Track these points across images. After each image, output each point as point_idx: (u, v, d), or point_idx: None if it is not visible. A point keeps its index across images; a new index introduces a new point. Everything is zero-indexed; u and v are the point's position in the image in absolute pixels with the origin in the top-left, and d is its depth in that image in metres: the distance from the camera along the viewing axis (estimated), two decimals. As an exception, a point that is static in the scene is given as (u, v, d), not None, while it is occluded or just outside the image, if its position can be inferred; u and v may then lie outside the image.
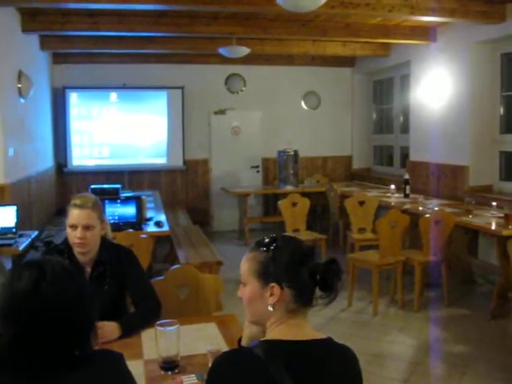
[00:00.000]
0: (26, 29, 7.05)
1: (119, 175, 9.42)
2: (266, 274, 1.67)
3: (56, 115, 9.35)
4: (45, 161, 8.41)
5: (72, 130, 9.46)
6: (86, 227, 2.73)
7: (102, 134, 9.59)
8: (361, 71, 10.55)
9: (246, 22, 7.37)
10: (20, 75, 6.68)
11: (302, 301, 1.66)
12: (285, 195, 7.64)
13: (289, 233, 7.01)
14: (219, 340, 2.54)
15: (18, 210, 5.11)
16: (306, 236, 6.84)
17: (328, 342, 1.67)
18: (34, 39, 7.84)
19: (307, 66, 10.38)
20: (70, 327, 1.48)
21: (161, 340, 2.21)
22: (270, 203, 10.26)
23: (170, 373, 2.20)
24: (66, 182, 9.60)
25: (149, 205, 6.52)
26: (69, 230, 2.76)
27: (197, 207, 9.98)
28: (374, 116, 10.53)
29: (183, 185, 10.08)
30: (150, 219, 5.88)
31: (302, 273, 1.64)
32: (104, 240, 2.87)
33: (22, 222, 5.72)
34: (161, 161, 9.82)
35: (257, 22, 7.42)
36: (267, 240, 1.74)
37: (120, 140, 9.64)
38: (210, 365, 2.17)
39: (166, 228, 5.64)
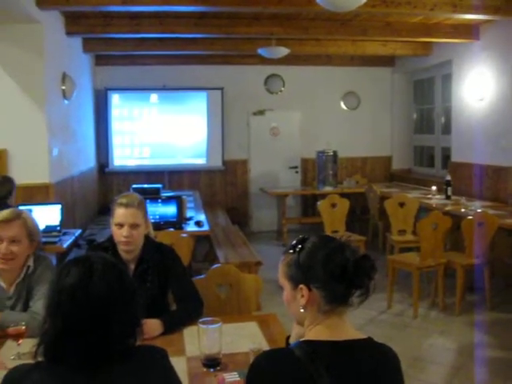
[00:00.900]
0: (69, 31, 7.20)
1: (159, 175, 9.54)
2: (294, 276, 1.68)
3: (98, 116, 9.54)
4: (87, 161, 8.58)
5: (113, 130, 9.63)
6: (132, 226, 2.78)
7: (142, 134, 9.74)
8: (401, 71, 10.44)
9: (286, 22, 7.38)
10: (64, 77, 6.83)
11: (335, 301, 1.63)
12: (324, 196, 7.61)
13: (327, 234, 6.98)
14: (260, 339, 2.55)
15: (62, 209, 5.22)
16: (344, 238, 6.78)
17: (368, 342, 1.66)
18: (77, 42, 8.00)
19: (346, 66, 10.31)
20: (117, 322, 1.52)
21: (203, 337, 2.23)
22: (308, 204, 10.24)
23: (212, 370, 2.22)
24: (108, 181, 9.77)
25: (189, 204, 6.57)
26: (114, 229, 2.81)
27: (235, 207, 10.03)
28: (415, 116, 10.41)
29: (222, 185, 10.14)
30: (190, 219, 5.93)
31: (329, 272, 1.61)
32: (147, 238, 2.92)
33: (66, 220, 5.84)
34: (200, 161, 9.90)
35: (297, 23, 7.42)
36: (295, 242, 1.74)
37: (160, 140, 9.76)
38: (251, 363, 2.22)
39: (205, 228, 5.69)
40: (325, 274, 1.61)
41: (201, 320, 2.28)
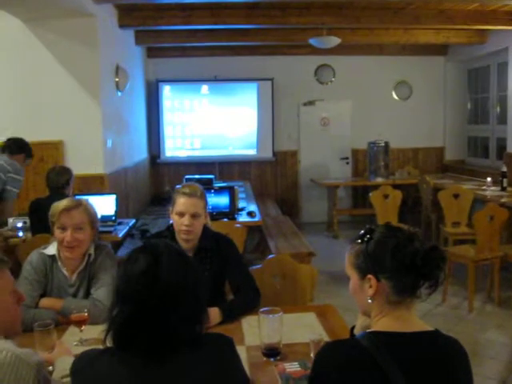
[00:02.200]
0: (122, 24, 7.30)
1: (210, 166, 9.61)
2: (362, 266, 1.66)
3: (150, 108, 9.66)
4: (139, 152, 8.71)
5: (165, 122, 9.75)
6: (193, 215, 2.80)
7: (193, 125, 9.83)
8: (454, 59, 10.19)
9: (337, 11, 7.30)
10: (117, 69, 6.94)
11: (403, 292, 1.61)
12: (375, 187, 7.52)
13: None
14: (319, 330, 2.53)
15: (117, 199, 5.31)
16: (397, 229, 6.70)
17: (435, 334, 1.63)
18: (129, 34, 8.10)
19: (397, 55, 10.13)
20: (184, 309, 1.53)
21: (264, 327, 2.23)
22: (359, 195, 10.14)
23: (272, 359, 2.22)
24: (159, 172, 9.90)
25: (240, 195, 6.59)
26: (175, 217, 2.84)
27: (285, 198, 10.02)
28: (469, 106, 10.15)
29: (272, 176, 10.15)
30: (242, 209, 5.95)
31: (399, 262, 1.59)
32: (205, 228, 2.93)
33: (120, 210, 5.94)
34: (251, 152, 9.93)
35: (348, 12, 7.33)
36: (363, 231, 1.72)
37: (211, 131, 9.83)
38: (311, 354, 2.21)
39: (258, 218, 5.70)
40: (394, 264, 1.59)
41: (261, 310, 2.28)
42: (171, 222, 2.93)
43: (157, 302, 1.50)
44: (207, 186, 5.83)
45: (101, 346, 2.37)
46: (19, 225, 5.06)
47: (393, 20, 7.44)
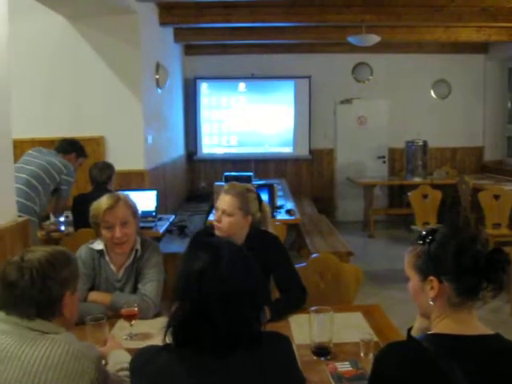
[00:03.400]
0: (163, 22, 7.35)
1: (246, 163, 9.62)
2: (423, 268, 1.64)
3: (187, 105, 9.73)
4: (177, 149, 8.78)
5: (202, 119, 9.81)
6: (224, 212, 2.81)
7: (230, 123, 9.87)
8: (495, 58, 10.01)
9: (377, 9, 7.23)
10: (158, 66, 6.99)
11: (465, 294, 1.59)
12: (412, 187, 7.45)
13: (418, 226, 6.83)
14: (367, 329, 2.52)
15: (157, 195, 5.36)
16: (436, 229, 6.63)
17: (497, 338, 1.60)
18: (169, 32, 8.16)
19: (436, 53, 10.00)
20: (244, 307, 1.53)
21: (314, 325, 2.23)
22: (395, 195, 10.05)
23: (322, 359, 2.21)
24: (195, 169, 9.98)
25: (278, 193, 6.59)
26: (215, 212, 2.88)
27: (321, 197, 9.97)
28: (509, 105, 9.98)
29: (308, 174, 10.13)
30: (280, 207, 5.95)
31: (461, 264, 1.56)
32: (252, 226, 2.93)
33: (159, 206, 5.99)
34: (287, 150, 9.94)
35: (389, 9, 7.25)
36: (425, 233, 1.70)
37: (248, 129, 9.86)
38: (362, 353, 2.20)
39: (297, 216, 5.69)
40: (456, 265, 1.57)
41: (312, 308, 2.27)
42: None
43: (216, 299, 1.50)
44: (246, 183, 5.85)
45: (149, 341, 2.44)
46: (61, 219, 5.14)
47: (434, 17, 7.33)
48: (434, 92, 10.19)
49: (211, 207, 8.03)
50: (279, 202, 6.17)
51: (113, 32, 6.06)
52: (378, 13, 7.25)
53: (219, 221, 2.82)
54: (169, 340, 1.57)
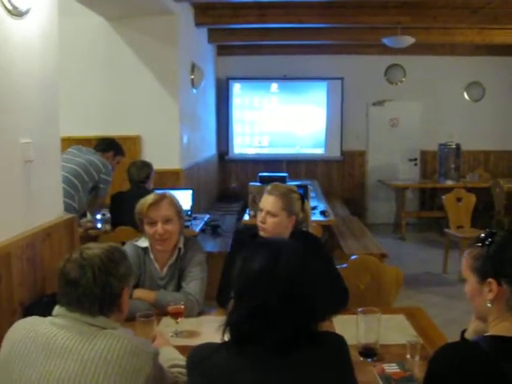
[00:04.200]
0: (198, 23, 7.41)
1: (277, 164, 9.63)
2: (482, 270, 1.63)
3: (219, 105, 9.77)
4: (209, 149, 8.84)
5: (234, 119, 9.85)
6: (268, 213, 2.82)
7: (262, 123, 9.90)
8: (530, 60, 9.88)
9: (413, 10, 7.18)
10: (193, 67, 7.05)
11: None
12: (445, 190, 7.38)
13: (452, 230, 6.78)
14: (411, 332, 2.51)
15: (193, 194, 5.40)
16: (470, 233, 6.58)
17: None
18: (203, 32, 8.21)
19: (470, 55, 9.89)
20: (302, 306, 1.55)
21: (361, 326, 2.24)
22: (426, 197, 9.97)
23: (369, 360, 2.22)
24: (227, 169, 10.03)
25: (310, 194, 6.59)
26: (258, 213, 2.89)
27: (352, 198, 9.94)
28: (545, 109, 9.83)
29: (339, 176, 10.11)
30: (314, 208, 5.95)
31: None
32: (295, 226, 2.94)
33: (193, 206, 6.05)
34: (318, 151, 9.93)
35: (425, 11, 7.19)
36: (483, 235, 1.69)
37: (279, 130, 9.88)
38: (408, 355, 2.21)
39: (331, 217, 5.69)
40: None
41: (360, 309, 2.28)
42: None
43: (275, 298, 1.52)
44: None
45: (195, 339, 2.47)
46: (98, 216, 5.21)
47: (471, 19, 7.26)
48: (468, 94, 10.09)
49: (244, 207, 8.10)
50: (312, 203, 6.17)
51: (151, 32, 6.12)
52: (414, 14, 7.19)
53: (264, 221, 2.82)
54: (227, 338, 1.59)
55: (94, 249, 1.80)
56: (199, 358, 1.60)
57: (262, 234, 2.86)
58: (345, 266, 3.30)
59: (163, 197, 2.86)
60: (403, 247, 8.31)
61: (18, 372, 1.65)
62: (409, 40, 7.36)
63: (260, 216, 2.85)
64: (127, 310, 1.89)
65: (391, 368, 2.13)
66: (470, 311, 1.75)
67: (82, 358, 1.62)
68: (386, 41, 7.49)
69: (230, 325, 1.58)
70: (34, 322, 1.76)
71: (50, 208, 3.08)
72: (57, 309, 1.76)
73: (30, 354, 1.66)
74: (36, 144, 2.84)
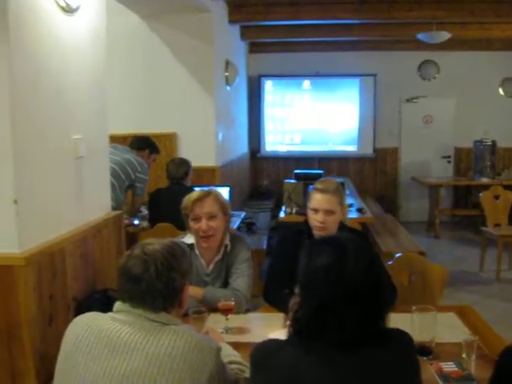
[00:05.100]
0: (231, 20, 7.41)
1: (309, 161, 9.59)
2: None
3: (251, 102, 9.77)
4: (242, 146, 8.84)
5: (266, 116, 9.84)
6: (327, 212, 2.80)
7: (294, 120, 9.87)
8: None
9: (450, 5, 7.08)
10: (227, 64, 7.06)
11: None
12: (480, 188, 7.28)
13: (490, 228, 6.68)
14: (465, 330, 2.48)
15: (230, 191, 5.40)
16: (508, 231, 6.49)
17: None
18: (236, 30, 8.22)
19: (506, 50, 9.72)
20: (369, 303, 1.53)
21: (417, 324, 2.21)
22: (460, 195, 9.85)
23: (425, 358, 2.19)
24: (258, 167, 10.02)
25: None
26: (310, 213, 2.85)
27: (384, 196, 9.86)
28: None
29: (371, 173, 10.03)
30: (349, 205, 5.91)
31: None
32: (341, 224, 2.93)
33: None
34: (351, 148, 9.87)
35: (461, 6, 7.09)
36: None
37: (311, 127, 9.83)
38: (463, 354, 2.17)
39: (368, 214, 5.65)
40: None
41: (415, 307, 2.26)
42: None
43: (342, 294, 1.51)
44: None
45: (245, 335, 2.47)
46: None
47: (509, 13, 7.13)
48: (503, 90, 9.92)
49: (276, 204, 8.10)
50: (347, 201, 6.12)
51: (186, 30, 6.15)
52: (450, 9, 7.09)
53: (324, 221, 2.80)
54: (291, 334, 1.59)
55: (155, 244, 1.80)
56: (264, 355, 1.59)
57: (320, 233, 2.81)
58: (390, 263, 3.27)
59: (208, 193, 2.86)
60: (438, 245, 8.21)
61: (82, 366, 1.66)
62: (444, 35, 7.28)
63: (319, 217, 2.80)
64: (187, 305, 1.90)
65: (449, 367, 2.10)
66: (509, 310, 1.71)
67: (146, 354, 1.62)
68: (420, 36, 7.41)
69: (295, 321, 1.57)
70: (95, 318, 1.77)
71: (99, 204, 3.11)
72: (119, 305, 1.76)
73: (93, 349, 1.67)
74: (86, 140, 2.87)
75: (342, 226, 2.94)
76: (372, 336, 1.53)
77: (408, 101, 9.85)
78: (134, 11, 6.08)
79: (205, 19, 6.16)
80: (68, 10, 2.67)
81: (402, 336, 1.61)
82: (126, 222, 5.16)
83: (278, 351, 1.56)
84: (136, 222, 5.14)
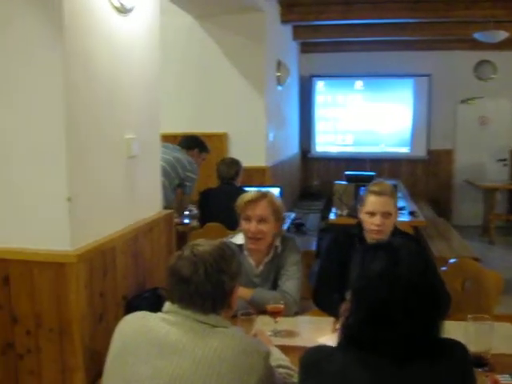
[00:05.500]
0: (284, 20, 7.38)
1: (360, 163, 9.46)
2: None
3: (302, 103, 9.73)
4: (293, 146, 8.82)
5: (317, 117, 9.77)
6: (384, 214, 2.74)
7: (346, 121, 9.77)
8: None
9: (507, 4, 6.87)
10: (279, 64, 7.05)
11: None
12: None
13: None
14: (522, 341, 2.39)
15: (281, 192, 5.37)
16: None
17: None
18: (288, 30, 8.19)
19: None
20: (424, 311, 1.48)
21: (472, 334, 2.14)
22: (516, 199, 9.57)
23: (481, 370, 2.11)
24: (308, 167, 9.97)
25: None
26: (365, 217, 2.79)
27: (436, 199, 9.63)
28: None
29: (424, 175, 9.84)
30: (401, 208, 5.80)
31: None
32: (394, 227, 2.87)
33: (279, 203, 6.03)
34: (403, 150, 9.70)
35: (521, 3, 6.89)
36: None
37: (363, 128, 9.72)
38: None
39: (420, 218, 5.53)
40: None
41: (470, 316, 2.19)
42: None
43: (395, 302, 1.46)
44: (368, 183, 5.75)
45: (294, 339, 2.45)
46: (185, 212, 5.27)
47: None
48: None
49: (326, 205, 8.02)
50: (399, 204, 6.01)
51: (238, 30, 6.16)
52: (509, 7, 6.89)
53: (381, 224, 2.74)
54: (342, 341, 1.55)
55: (205, 245, 1.79)
56: (314, 361, 1.56)
57: (378, 237, 2.74)
58: (444, 269, 3.18)
59: (263, 196, 2.83)
60: (492, 251, 7.99)
61: (130, 366, 1.66)
62: (502, 35, 7.07)
63: (376, 220, 2.75)
64: (236, 307, 1.88)
65: (505, 379, 2.02)
66: None
67: (195, 356, 1.61)
68: (478, 36, 7.22)
69: (346, 328, 1.54)
70: (144, 317, 1.77)
71: (150, 203, 3.14)
72: (168, 305, 1.76)
73: (142, 349, 1.67)
74: (139, 140, 2.90)
75: (395, 230, 2.88)
76: (426, 346, 1.48)
77: (463, 102, 9.61)
78: (187, 11, 6.13)
79: (257, 19, 6.16)
80: (122, 11, 2.70)
81: (457, 347, 1.55)
82: (177, 220, 5.21)
83: (328, 358, 1.53)
84: (186, 220, 5.17)
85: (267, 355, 1.69)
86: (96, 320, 2.48)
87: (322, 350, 1.60)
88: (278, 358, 2.03)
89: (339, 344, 1.56)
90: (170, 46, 6.15)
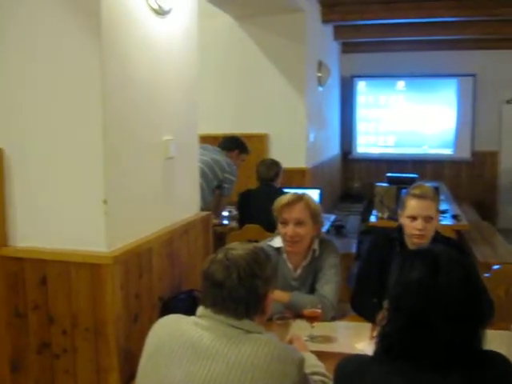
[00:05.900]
0: (325, 20, 7.32)
1: (402, 164, 9.33)
2: None
3: (343, 103, 9.64)
4: (333, 147, 8.75)
5: (358, 117, 9.68)
6: (426, 218, 2.67)
7: (388, 122, 9.65)
8: None
9: (558, 0, 6.67)
10: (320, 64, 6.99)
11: None
12: None
13: None
14: None
15: (321, 194, 5.33)
16: None
17: None
18: (329, 30, 8.12)
19: None
20: (463, 321, 1.43)
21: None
22: None
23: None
24: (349, 169, 9.88)
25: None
26: (406, 221, 2.72)
27: (481, 201, 9.41)
28: None
29: (468, 177, 9.62)
30: (444, 211, 5.68)
31: None
32: (435, 232, 2.79)
33: (319, 205, 5.98)
34: (447, 151, 9.52)
35: None
36: None
37: (405, 129, 9.59)
38: None
39: (463, 222, 5.40)
40: None
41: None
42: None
43: (433, 311, 1.41)
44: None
45: (331, 344, 2.40)
46: (224, 213, 5.26)
47: None
48: None
49: (367, 208, 7.92)
50: (442, 206, 5.89)
51: (278, 30, 6.14)
52: (560, 4, 6.67)
53: (423, 229, 2.67)
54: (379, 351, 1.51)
55: (239, 249, 1.76)
56: (350, 371, 1.53)
57: (419, 242, 2.67)
58: (487, 275, 3.09)
59: (300, 199, 2.80)
60: None
61: (163, 368, 1.66)
62: (552, 33, 6.86)
63: (418, 225, 2.67)
64: (270, 312, 1.85)
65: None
66: None
67: (228, 361, 1.59)
68: (525, 34, 7.02)
69: (383, 337, 1.49)
70: (178, 321, 1.76)
71: (188, 205, 3.14)
72: (201, 310, 1.74)
73: (175, 352, 1.66)
74: (177, 141, 2.90)
75: (436, 234, 2.80)
76: (466, 355, 1.42)
77: (509, 102, 9.36)
78: (228, 12, 6.13)
79: (298, 19, 6.12)
80: (160, 13, 2.70)
81: (498, 358, 1.49)
82: (215, 221, 5.21)
83: (365, 368, 1.49)
84: (225, 221, 5.16)
85: (301, 362, 1.65)
86: (131, 321, 2.48)
87: (358, 360, 1.56)
88: (313, 364, 1.99)
89: (375, 353, 1.52)
90: (211, 48, 6.17)
